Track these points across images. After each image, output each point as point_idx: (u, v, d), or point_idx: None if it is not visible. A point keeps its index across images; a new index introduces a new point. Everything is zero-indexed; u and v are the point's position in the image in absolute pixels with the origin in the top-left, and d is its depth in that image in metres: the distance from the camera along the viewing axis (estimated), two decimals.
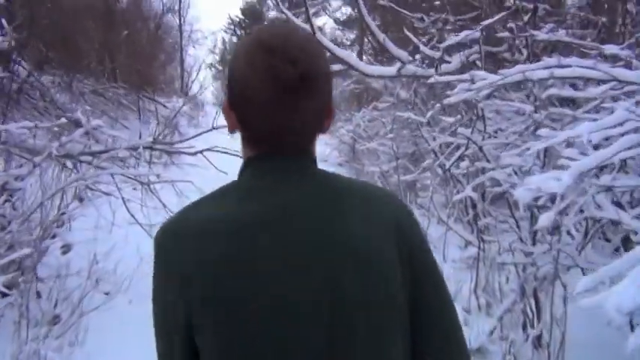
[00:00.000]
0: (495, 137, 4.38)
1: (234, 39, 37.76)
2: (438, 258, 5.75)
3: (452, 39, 4.10)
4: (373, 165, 9.31)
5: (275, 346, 0.84)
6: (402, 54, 4.14)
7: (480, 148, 4.09)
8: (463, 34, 4.00)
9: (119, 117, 9.71)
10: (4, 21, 7.53)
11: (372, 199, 0.98)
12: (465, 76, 3.15)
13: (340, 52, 3.59)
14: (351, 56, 3.60)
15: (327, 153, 11.60)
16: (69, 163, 4.31)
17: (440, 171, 6.25)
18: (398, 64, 4.11)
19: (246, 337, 0.85)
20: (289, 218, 0.89)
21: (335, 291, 0.87)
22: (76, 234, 4.13)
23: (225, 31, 37.52)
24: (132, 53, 11.13)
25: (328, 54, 3.46)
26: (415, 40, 4.12)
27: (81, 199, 5.63)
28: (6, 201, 3.35)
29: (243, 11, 37.03)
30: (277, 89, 0.87)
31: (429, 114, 5.23)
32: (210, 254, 0.87)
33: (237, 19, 37.36)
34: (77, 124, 7.78)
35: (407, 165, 8.16)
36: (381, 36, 4.01)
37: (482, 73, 3.14)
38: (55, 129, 6.74)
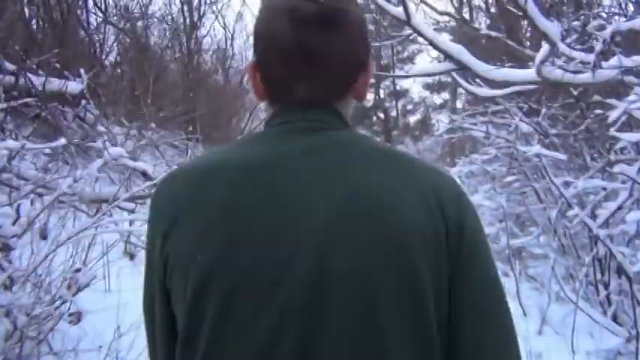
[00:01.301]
0: None
1: None
2: (563, 346, 4.41)
3: (620, 24, 2.81)
4: None
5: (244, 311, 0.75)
6: (553, 30, 2.55)
7: None
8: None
9: None
10: (82, 70, 7.42)
11: (407, 162, 0.83)
12: None
13: (447, 44, 2.39)
14: (462, 52, 2.38)
15: None
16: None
17: (561, 230, 5.00)
18: (533, 67, 2.82)
19: (215, 306, 0.75)
20: (294, 163, 0.79)
21: (330, 258, 0.74)
22: (89, 297, 3.29)
23: None
24: (212, 107, 10.91)
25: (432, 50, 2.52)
26: (553, 32, 2.57)
27: (132, 256, 4.89)
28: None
29: None
30: (295, 26, 0.81)
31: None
32: (191, 199, 0.80)
33: None
34: (144, 174, 7.34)
35: (513, 228, 6.83)
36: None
37: None
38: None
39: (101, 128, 6.88)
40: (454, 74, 2.74)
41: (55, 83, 6.11)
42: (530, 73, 2.57)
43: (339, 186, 0.77)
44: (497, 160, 7.14)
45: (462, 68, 2.25)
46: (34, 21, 7.40)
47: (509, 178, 5.09)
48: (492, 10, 11.50)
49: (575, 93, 4.68)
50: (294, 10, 0.81)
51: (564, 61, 2.87)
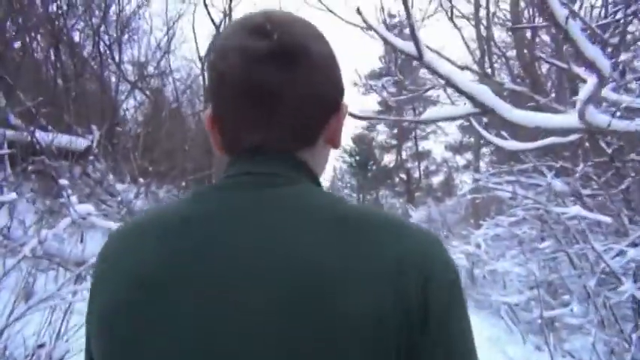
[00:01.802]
0: None
1: (345, 166, 38.30)
2: None
3: None
4: (499, 295, 7.43)
5: None
6: (602, 60, 2.01)
7: None
8: None
9: None
10: (94, 126, 7.34)
11: (362, 227, 0.67)
12: None
13: (467, 83, 1.93)
14: (485, 92, 1.97)
15: None
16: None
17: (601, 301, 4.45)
18: (574, 110, 2.18)
19: None
20: (226, 225, 0.67)
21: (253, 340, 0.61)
22: None
23: (337, 159, 38.13)
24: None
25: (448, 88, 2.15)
26: (602, 61, 2.00)
27: None
28: None
29: (354, 139, 37.70)
30: (246, 66, 0.71)
31: None
32: (129, 263, 0.69)
33: (349, 147, 38.02)
34: None
35: (544, 296, 6.25)
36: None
37: None
38: None
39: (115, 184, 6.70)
40: (475, 123, 2.39)
41: (63, 139, 5.97)
42: (568, 119, 2.15)
43: (266, 263, 0.64)
44: (526, 223, 6.67)
45: (486, 112, 1.88)
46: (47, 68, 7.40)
47: (544, 244, 4.59)
48: (513, 63, 11.32)
49: (609, 151, 4.28)
50: (244, 48, 0.73)
51: (607, 106, 2.49)
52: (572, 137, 2.52)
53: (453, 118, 1.99)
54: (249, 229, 0.66)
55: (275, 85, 0.71)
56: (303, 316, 0.61)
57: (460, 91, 1.84)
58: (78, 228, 2.92)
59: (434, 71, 1.81)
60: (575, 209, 3.37)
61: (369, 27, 2.35)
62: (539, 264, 5.64)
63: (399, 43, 2.08)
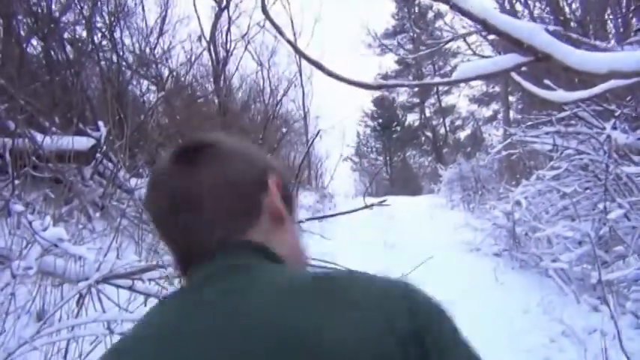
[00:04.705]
0: None
1: (368, 130, 37.60)
2: None
3: None
4: (545, 253, 6.93)
5: None
6: None
7: None
8: None
9: None
10: (100, 122, 7.03)
11: (337, 289, 0.69)
12: None
13: (511, 23, 1.42)
14: (538, 34, 1.43)
15: (479, 241, 9.30)
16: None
17: None
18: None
19: None
20: (211, 317, 0.68)
21: None
22: None
23: (359, 124, 37.44)
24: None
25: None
26: None
27: None
28: None
29: (375, 102, 36.86)
30: (167, 176, 0.77)
31: None
32: None
33: (370, 111, 37.23)
34: None
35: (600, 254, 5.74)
36: None
37: None
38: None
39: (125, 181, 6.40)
40: (516, 76, 1.90)
41: (65, 141, 5.65)
42: None
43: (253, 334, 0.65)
44: (569, 176, 6.13)
45: (540, 59, 1.41)
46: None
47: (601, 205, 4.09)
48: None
49: None
50: (161, 161, 0.79)
51: None
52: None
53: (495, 75, 1.54)
54: (226, 317, 0.67)
55: (189, 188, 0.75)
56: None
57: (501, 35, 1.38)
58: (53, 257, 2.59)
59: (465, 13, 1.36)
60: None
61: None
62: (593, 220, 5.12)
63: None
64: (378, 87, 1.84)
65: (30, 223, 2.30)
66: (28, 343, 2.11)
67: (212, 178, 0.75)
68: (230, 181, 0.77)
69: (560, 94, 2.27)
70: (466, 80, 1.61)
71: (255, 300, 0.67)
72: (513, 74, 2.07)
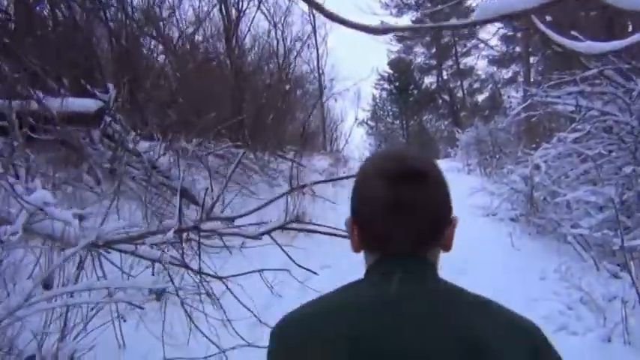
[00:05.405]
0: None
1: (384, 94, 36.95)
2: None
3: None
4: (564, 219, 6.74)
5: None
6: None
7: None
8: None
9: (243, 182, 8.56)
10: (110, 84, 6.88)
11: (498, 307, 0.94)
12: None
13: None
14: None
15: (496, 205, 9.12)
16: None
17: None
18: None
19: None
20: (406, 303, 0.90)
21: None
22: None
23: (375, 87, 36.81)
24: (261, 111, 10.18)
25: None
26: None
27: (159, 295, 4.17)
28: None
29: (391, 64, 36.11)
30: (388, 185, 0.94)
31: None
32: (332, 334, 0.88)
33: (386, 74, 36.51)
34: (192, 199, 6.67)
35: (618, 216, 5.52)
36: None
37: None
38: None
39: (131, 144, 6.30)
40: (537, 20, 1.69)
41: (75, 103, 5.53)
42: None
43: (446, 331, 0.86)
44: (592, 139, 5.88)
45: None
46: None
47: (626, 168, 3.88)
48: None
49: None
50: (386, 171, 0.96)
51: None
52: None
53: (519, 14, 1.32)
54: (420, 312, 0.89)
55: (413, 201, 0.94)
56: None
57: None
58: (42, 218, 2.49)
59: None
60: None
61: None
62: (616, 184, 4.90)
63: None
64: (385, 31, 1.67)
65: (12, 186, 2.19)
66: (23, 308, 2.03)
67: (429, 200, 0.94)
68: (437, 206, 0.96)
69: (589, 45, 2.07)
70: (486, 22, 1.43)
71: (444, 303, 0.90)
72: (537, 21, 1.86)
